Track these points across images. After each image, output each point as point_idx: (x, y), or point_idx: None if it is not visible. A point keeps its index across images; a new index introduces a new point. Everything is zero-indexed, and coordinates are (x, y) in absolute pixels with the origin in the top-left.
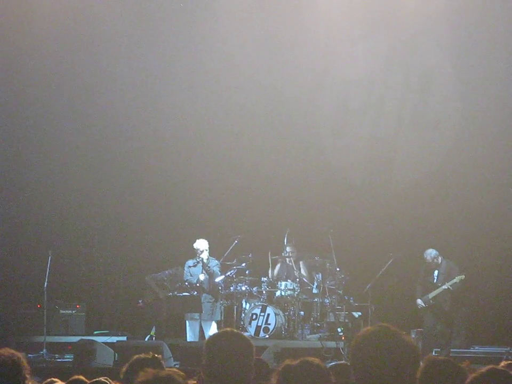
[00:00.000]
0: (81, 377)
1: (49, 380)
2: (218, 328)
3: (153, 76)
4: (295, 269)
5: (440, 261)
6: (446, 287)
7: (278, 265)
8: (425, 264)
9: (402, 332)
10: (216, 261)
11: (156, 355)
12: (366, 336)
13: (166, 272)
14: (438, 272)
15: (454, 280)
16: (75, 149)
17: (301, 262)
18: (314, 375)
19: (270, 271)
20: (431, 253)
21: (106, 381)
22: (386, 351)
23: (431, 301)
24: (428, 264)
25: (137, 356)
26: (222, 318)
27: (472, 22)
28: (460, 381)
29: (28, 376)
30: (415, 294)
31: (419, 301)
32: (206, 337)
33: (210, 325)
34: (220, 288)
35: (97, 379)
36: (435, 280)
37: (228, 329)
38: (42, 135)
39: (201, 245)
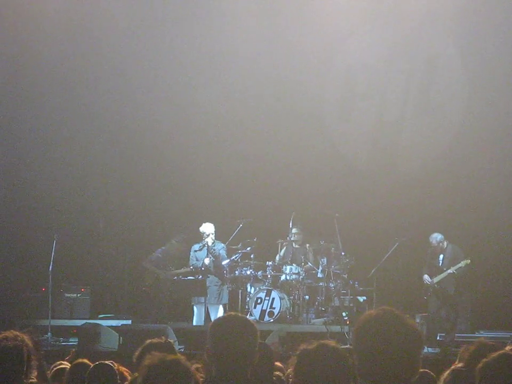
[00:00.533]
0: (86, 360)
1: (58, 362)
2: (225, 311)
3: (159, 61)
4: (301, 253)
5: (445, 245)
6: (451, 271)
7: (284, 249)
8: (430, 248)
9: (405, 315)
10: (222, 244)
11: (169, 340)
12: (369, 320)
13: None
14: (443, 257)
15: (459, 265)
16: (81, 134)
17: (307, 245)
18: (332, 358)
19: (277, 256)
20: (436, 237)
21: (110, 364)
22: (389, 335)
23: (436, 285)
24: (433, 248)
25: (149, 340)
26: (228, 302)
27: (477, 7)
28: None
29: (33, 358)
30: (421, 274)
31: (426, 276)
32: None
33: (218, 308)
34: (225, 272)
35: (101, 361)
36: (440, 264)
37: (232, 312)
38: (49, 122)
39: (207, 228)
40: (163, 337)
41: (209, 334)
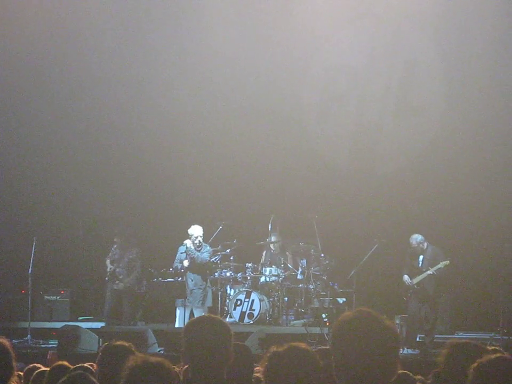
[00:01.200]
0: (65, 362)
1: (31, 365)
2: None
3: (148, 68)
4: (279, 256)
5: (425, 246)
6: (431, 272)
7: (264, 252)
8: (410, 249)
9: (382, 316)
10: (209, 248)
11: (126, 344)
12: (346, 321)
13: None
14: (423, 257)
15: (439, 266)
16: (64, 136)
17: (287, 253)
18: (302, 360)
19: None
20: (416, 238)
21: (89, 367)
22: (366, 336)
23: (415, 286)
24: (413, 249)
25: (106, 343)
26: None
27: (456, 8)
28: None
29: (14, 363)
30: (401, 275)
31: (405, 277)
32: None
33: (202, 311)
34: (208, 272)
35: (80, 365)
36: (420, 265)
37: (206, 315)
38: (31, 124)
39: (196, 231)
40: (121, 341)
41: (183, 336)
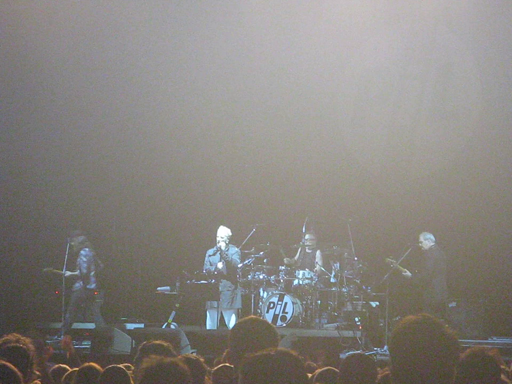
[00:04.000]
0: (94, 364)
1: (57, 366)
2: (238, 316)
3: (171, 64)
4: (312, 258)
5: (428, 247)
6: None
7: (299, 250)
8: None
9: (445, 324)
10: (236, 249)
11: (164, 343)
12: (408, 325)
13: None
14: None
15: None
16: (93, 138)
17: (317, 252)
18: (285, 365)
19: (285, 259)
20: (421, 236)
21: (122, 367)
22: (428, 342)
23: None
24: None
25: (144, 342)
26: (241, 306)
27: (493, 12)
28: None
29: (35, 361)
30: None
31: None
32: (227, 325)
33: (231, 313)
34: (238, 276)
35: (113, 365)
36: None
37: (254, 316)
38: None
39: (221, 232)
40: (159, 340)
41: (231, 337)
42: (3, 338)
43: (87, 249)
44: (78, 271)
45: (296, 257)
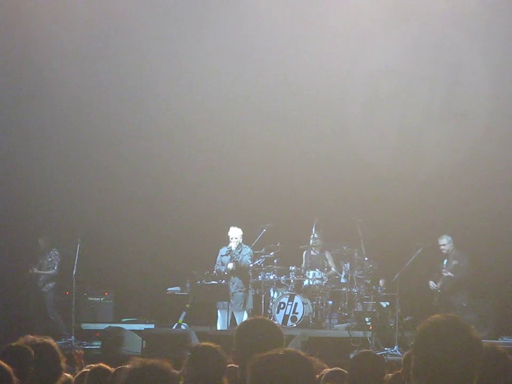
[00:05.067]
0: (104, 365)
1: (96, 365)
2: (249, 316)
3: (172, 65)
4: (320, 259)
5: (451, 249)
6: (447, 275)
7: (304, 253)
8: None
9: (471, 326)
10: (249, 249)
11: (213, 345)
12: (435, 324)
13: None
14: (447, 261)
15: (454, 263)
16: (98, 137)
17: (326, 253)
18: (293, 366)
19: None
20: (447, 237)
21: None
22: (452, 341)
23: (439, 291)
24: (441, 252)
25: (197, 344)
26: (253, 307)
27: (502, 12)
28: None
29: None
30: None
31: (431, 283)
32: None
33: (243, 314)
34: (250, 275)
35: (123, 366)
36: (443, 269)
37: (259, 316)
38: (66, 127)
39: (232, 232)
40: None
41: (236, 337)
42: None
43: (54, 248)
44: (53, 270)
45: (302, 265)
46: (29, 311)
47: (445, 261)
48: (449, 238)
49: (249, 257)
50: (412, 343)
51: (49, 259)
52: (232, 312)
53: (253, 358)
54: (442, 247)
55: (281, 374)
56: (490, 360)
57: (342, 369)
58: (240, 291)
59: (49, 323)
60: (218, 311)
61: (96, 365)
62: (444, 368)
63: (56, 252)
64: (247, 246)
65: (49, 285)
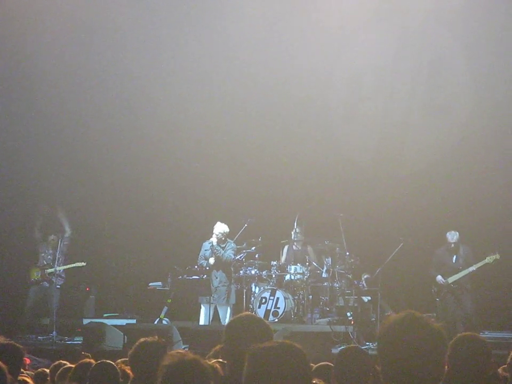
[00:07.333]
0: (92, 360)
1: (57, 362)
2: (233, 311)
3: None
4: (302, 253)
5: (459, 245)
6: (474, 269)
7: (285, 249)
8: (443, 247)
9: (430, 319)
10: (233, 244)
11: (160, 338)
12: (394, 324)
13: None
14: (457, 256)
15: (485, 261)
16: (87, 134)
17: (308, 247)
18: (288, 358)
19: (282, 257)
20: (455, 234)
21: (111, 363)
22: (414, 339)
23: (451, 285)
24: (448, 247)
25: (143, 339)
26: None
27: (483, 7)
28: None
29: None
30: (431, 276)
31: (439, 277)
32: (222, 321)
33: (227, 309)
34: (231, 271)
35: (103, 360)
36: (454, 264)
37: (249, 313)
38: (59, 125)
39: (216, 228)
40: (156, 336)
41: (225, 333)
42: None
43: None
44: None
45: (282, 259)
46: (26, 308)
47: (454, 256)
48: (458, 234)
49: (233, 251)
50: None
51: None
52: (216, 307)
53: (249, 349)
54: (452, 244)
55: (279, 364)
56: (470, 346)
57: (330, 364)
58: (224, 285)
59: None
60: (202, 305)
61: (84, 360)
62: (411, 364)
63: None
64: (232, 241)
65: (61, 280)
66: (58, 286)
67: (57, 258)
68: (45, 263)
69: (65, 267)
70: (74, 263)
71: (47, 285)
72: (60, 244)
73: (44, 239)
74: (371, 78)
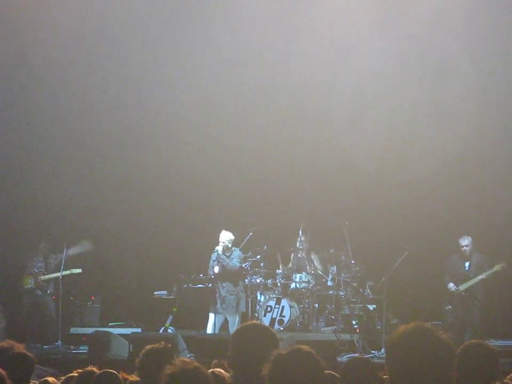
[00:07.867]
0: (94, 369)
1: (42, 379)
2: (242, 319)
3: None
4: (306, 262)
5: (472, 252)
6: (483, 277)
7: (292, 255)
8: (456, 255)
9: (438, 330)
10: (238, 252)
11: (168, 345)
12: (402, 335)
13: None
14: (470, 263)
15: (494, 269)
16: (89, 138)
17: (312, 255)
18: (305, 362)
19: (281, 265)
20: (469, 239)
21: (115, 372)
22: (422, 350)
23: (463, 293)
24: (461, 254)
25: (150, 346)
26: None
27: (488, 13)
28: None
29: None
30: (444, 283)
31: (451, 285)
32: (231, 330)
33: (235, 317)
34: (240, 279)
35: (105, 370)
36: (466, 271)
37: (255, 321)
38: (61, 127)
39: (222, 236)
40: (162, 342)
41: (231, 342)
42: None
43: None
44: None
45: (290, 265)
46: (22, 316)
47: (467, 263)
48: (470, 239)
49: (238, 259)
50: (384, 358)
51: (54, 262)
52: (225, 317)
53: (272, 356)
54: (464, 247)
55: (300, 367)
56: (478, 353)
57: (334, 373)
58: (231, 294)
59: (45, 326)
60: (210, 313)
61: (86, 369)
62: (419, 376)
63: (60, 255)
64: (237, 249)
65: (51, 288)
66: (49, 292)
67: (53, 265)
68: (36, 270)
69: (61, 274)
70: (69, 270)
71: (40, 293)
72: (65, 251)
73: (34, 247)
74: (375, 85)
